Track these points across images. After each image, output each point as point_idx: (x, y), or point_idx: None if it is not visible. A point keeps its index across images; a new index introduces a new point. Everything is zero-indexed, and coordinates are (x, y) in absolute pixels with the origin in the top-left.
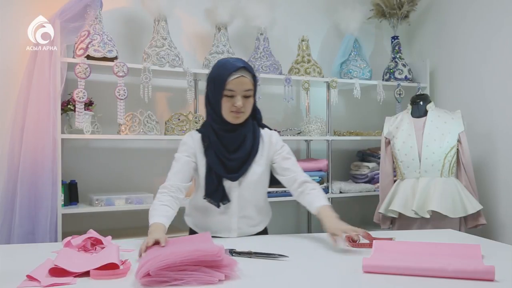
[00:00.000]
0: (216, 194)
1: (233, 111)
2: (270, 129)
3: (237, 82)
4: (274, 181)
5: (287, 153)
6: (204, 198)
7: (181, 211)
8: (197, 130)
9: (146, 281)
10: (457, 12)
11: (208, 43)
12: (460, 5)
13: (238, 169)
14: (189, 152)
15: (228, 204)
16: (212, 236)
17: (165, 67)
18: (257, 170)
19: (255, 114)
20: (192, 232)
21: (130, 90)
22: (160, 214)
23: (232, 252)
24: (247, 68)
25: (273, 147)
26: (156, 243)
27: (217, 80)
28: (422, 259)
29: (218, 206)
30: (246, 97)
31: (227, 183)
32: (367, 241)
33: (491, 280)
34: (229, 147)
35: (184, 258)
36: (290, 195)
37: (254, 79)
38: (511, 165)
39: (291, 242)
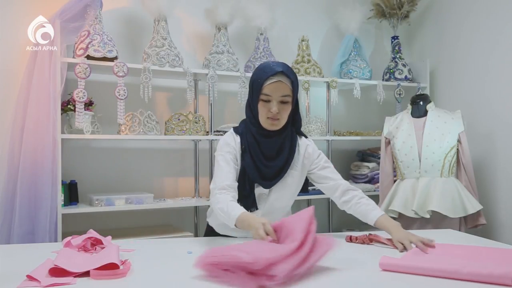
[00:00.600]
0: (247, 201)
1: (269, 117)
2: (306, 137)
3: (273, 87)
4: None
5: (325, 161)
6: None
7: (183, 211)
8: (233, 130)
9: (201, 267)
10: (457, 12)
11: (208, 43)
12: (460, 5)
13: (273, 177)
14: (233, 154)
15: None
16: (226, 236)
17: (165, 67)
18: (289, 181)
19: (295, 121)
20: (210, 232)
21: (130, 90)
22: (238, 207)
23: None
24: (285, 73)
25: (309, 157)
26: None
27: (255, 84)
28: (440, 260)
29: None
30: (283, 102)
31: (257, 190)
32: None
33: (509, 285)
34: (266, 153)
35: (228, 260)
36: None
37: (293, 85)
38: (511, 165)
39: None
